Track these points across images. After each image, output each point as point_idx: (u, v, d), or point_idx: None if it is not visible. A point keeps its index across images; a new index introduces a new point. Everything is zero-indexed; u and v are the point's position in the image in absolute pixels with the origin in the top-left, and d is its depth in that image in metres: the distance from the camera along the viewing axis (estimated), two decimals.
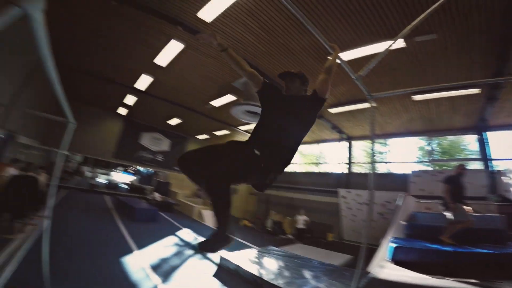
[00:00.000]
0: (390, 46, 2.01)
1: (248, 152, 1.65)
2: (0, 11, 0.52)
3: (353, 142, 11.78)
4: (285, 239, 10.02)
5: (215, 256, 5.47)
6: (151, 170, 17.49)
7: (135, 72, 8.16)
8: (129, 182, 18.48)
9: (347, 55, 5.50)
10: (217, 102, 9.33)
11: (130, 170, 20.08)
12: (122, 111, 13.05)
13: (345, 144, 11.78)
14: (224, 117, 10.99)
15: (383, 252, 4.73)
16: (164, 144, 15.72)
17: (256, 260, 5.08)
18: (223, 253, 5.24)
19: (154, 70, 7.67)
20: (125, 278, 3.71)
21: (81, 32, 6.24)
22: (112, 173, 19.25)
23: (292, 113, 1.78)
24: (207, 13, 4.82)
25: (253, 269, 4.41)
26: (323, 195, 11.48)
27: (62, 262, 3.64)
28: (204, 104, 9.75)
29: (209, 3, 4.57)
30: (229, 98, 8.69)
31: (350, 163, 11.64)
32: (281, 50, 5.87)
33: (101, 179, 16.42)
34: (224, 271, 4.71)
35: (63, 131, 2.75)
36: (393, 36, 4.56)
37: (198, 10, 4.77)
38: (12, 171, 5.39)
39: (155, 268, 4.34)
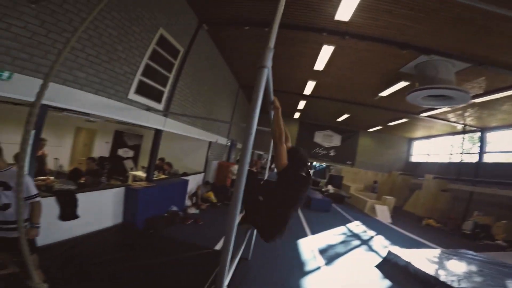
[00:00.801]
0: None
1: None
2: (261, 72, 1.05)
3: None
4: (491, 245, 7.77)
5: (383, 251, 5.49)
6: (323, 164, 19.07)
7: (303, 81, 9.46)
8: None
9: None
10: (386, 92, 8.73)
11: None
12: (296, 115, 15.24)
13: None
14: (397, 105, 10.13)
15: None
16: (335, 140, 16.53)
17: (436, 260, 4.62)
18: (393, 248, 5.19)
19: (315, 75, 8.58)
20: (297, 256, 4.80)
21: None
22: None
23: None
24: (343, 14, 5.00)
25: (429, 269, 4.13)
26: None
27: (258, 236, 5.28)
28: (373, 96, 9.44)
29: (340, 6, 4.70)
30: (400, 85, 7.90)
31: None
32: (449, 22, 4.71)
33: None
34: (389, 265, 4.73)
35: (258, 138, 4.06)
36: None
37: (334, 14, 5.05)
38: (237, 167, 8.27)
39: (322, 252, 5.15)
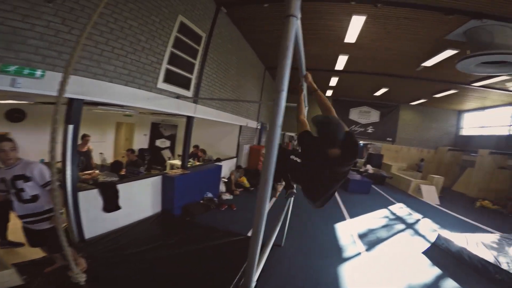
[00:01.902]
0: None
1: None
2: (288, 22, 0.79)
3: None
4: None
5: (432, 235, 5.14)
6: (360, 143, 18.11)
7: (333, 56, 8.80)
8: None
9: None
10: (430, 62, 7.83)
11: None
12: (329, 93, 14.47)
13: None
14: (444, 76, 9.09)
15: None
16: (373, 116, 15.52)
17: (495, 246, 4.20)
18: (443, 232, 4.86)
19: (347, 48, 7.92)
20: (335, 241, 4.59)
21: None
22: None
23: None
24: None
25: (487, 255, 3.81)
26: None
27: (292, 221, 5.17)
28: (414, 67, 8.54)
29: None
30: (446, 54, 7.00)
31: None
32: None
33: None
34: (439, 251, 4.41)
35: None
36: None
37: None
38: None
39: (362, 236, 4.89)
